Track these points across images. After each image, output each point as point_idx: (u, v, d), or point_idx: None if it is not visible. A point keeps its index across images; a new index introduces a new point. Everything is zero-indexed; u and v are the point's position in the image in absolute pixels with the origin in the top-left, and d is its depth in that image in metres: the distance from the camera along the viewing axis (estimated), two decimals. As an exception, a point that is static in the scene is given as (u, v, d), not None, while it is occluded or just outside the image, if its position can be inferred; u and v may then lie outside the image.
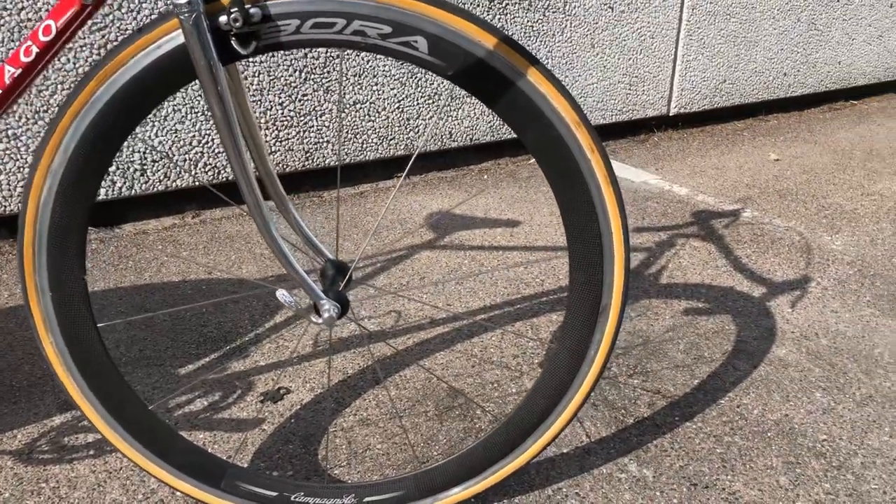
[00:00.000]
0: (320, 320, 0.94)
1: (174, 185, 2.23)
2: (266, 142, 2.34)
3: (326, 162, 2.50)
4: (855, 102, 4.14)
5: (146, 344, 1.60)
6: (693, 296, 1.88)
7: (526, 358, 1.58)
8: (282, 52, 2.17)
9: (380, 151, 2.60)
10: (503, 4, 2.67)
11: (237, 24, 0.82)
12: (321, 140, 2.46)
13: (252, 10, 0.83)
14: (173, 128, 2.17)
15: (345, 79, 2.43)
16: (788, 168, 2.96)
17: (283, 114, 2.35)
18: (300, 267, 0.93)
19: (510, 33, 2.73)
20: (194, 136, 2.20)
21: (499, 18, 2.68)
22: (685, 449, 1.32)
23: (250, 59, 2.22)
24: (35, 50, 0.84)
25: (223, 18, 0.83)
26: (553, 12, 2.80)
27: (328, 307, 0.94)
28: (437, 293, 1.86)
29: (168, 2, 0.68)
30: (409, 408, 1.41)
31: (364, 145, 2.56)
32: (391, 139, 2.61)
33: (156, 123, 2.13)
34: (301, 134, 2.41)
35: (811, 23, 3.64)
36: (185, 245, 2.11)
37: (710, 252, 2.14)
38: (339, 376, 1.50)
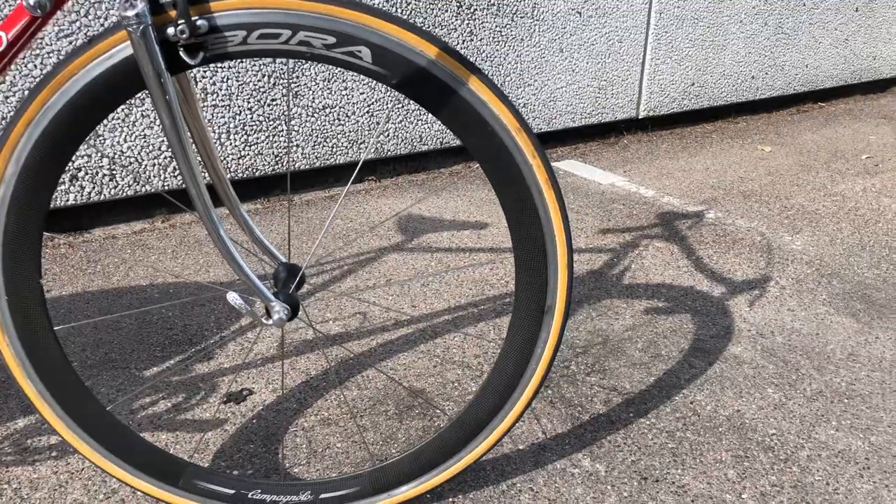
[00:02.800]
0: (270, 322, 0.97)
1: (143, 189, 2.24)
2: (236, 146, 2.36)
3: (297, 166, 2.52)
4: (822, 104, 4.21)
5: (112, 347, 1.62)
6: (654, 295, 1.92)
7: (487, 358, 1.62)
8: (229, 62, 2.20)
9: (350, 155, 2.63)
10: (471, 10, 2.71)
11: (184, 35, 0.85)
12: (290, 144, 2.48)
13: (199, 22, 0.86)
14: (142, 133, 2.18)
15: (314, 83, 2.45)
16: (754, 170, 3.01)
17: (252, 118, 2.37)
18: (249, 270, 0.96)
19: (479, 38, 2.77)
20: (163, 141, 2.22)
21: (467, 23, 2.72)
22: (637, 444, 1.36)
23: (217, 65, 2.24)
24: (-13, 60, 0.86)
25: (171, 30, 0.86)
26: (521, 17, 2.84)
27: (278, 309, 0.96)
28: (401, 295, 1.89)
29: (117, 13, 0.70)
30: (370, 407, 1.44)
31: (334, 149, 2.58)
32: (361, 143, 2.64)
33: (124, 129, 2.15)
34: (270, 138, 2.43)
35: (778, 27, 3.70)
36: (154, 249, 2.12)
37: (672, 253, 2.18)
38: (302, 377, 1.53)
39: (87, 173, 2.13)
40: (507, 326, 1.73)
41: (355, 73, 2.40)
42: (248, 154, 2.40)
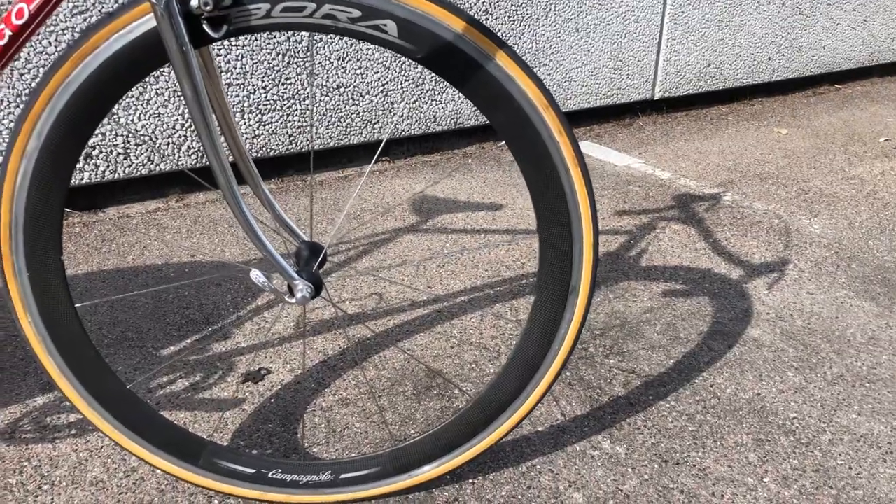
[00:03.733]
0: (293, 300, 0.96)
1: (157, 168, 2.23)
2: (250, 125, 2.35)
3: (311, 145, 2.51)
4: (839, 86, 4.16)
5: (128, 326, 1.62)
6: (671, 278, 1.90)
7: (504, 339, 1.61)
8: (253, 35, 2.18)
9: (364, 135, 2.61)
10: (487, -12, 2.68)
11: (208, 7, 0.83)
12: (305, 123, 2.47)
13: (222, -6, 0.84)
14: (156, 111, 2.17)
15: (328, 62, 2.43)
16: (770, 152, 2.98)
17: (266, 97, 2.35)
18: (273, 248, 0.95)
19: (494, 17, 2.74)
20: (177, 119, 2.21)
21: (483, 2, 2.69)
22: (657, 427, 1.35)
23: (232, 43, 2.22)
24: (8, 33, 0.85)
25: (194, 2, 0.84)
26: (537, -4, 2.81)
27: (301, 287, 0.95)
28: (417, 275, 1.88)
29: None
30: (389, 388, 1.43)
31: (348, 129, 2.57)
32: (375, 123, 2.62)
33: (139, 107, 2.14)
34: (285, 118, 2.41)
35: (796, 7, 3.65)
36: (169, 228, 2.12)
37: (689, 235, 2.16)
38: (319, 357, 1.52)
39: (101, 152, 2.12)
40: (524, 308, 1.72)
41: (380, 48, 2.38)
42: (263, 133, 2.39)
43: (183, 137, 2.24)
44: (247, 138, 2.36)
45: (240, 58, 2.25)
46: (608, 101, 3.21)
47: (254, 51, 2.27)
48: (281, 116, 2.40)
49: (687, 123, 3.40)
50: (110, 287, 1.78)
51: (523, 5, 2.79)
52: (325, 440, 1.29)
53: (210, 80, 0.98)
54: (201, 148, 2.29)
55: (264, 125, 2.38)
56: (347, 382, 1.44)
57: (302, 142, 2.48)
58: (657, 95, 3.38)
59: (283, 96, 2.38)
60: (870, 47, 4.15)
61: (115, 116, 2.11)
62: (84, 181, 2.12)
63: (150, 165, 2.22)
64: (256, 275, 0.92)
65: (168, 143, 2.22)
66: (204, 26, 0.86)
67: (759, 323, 1.71)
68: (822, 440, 1.32)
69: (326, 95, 2.47)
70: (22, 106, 0.75)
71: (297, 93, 2.40)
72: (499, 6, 2.73)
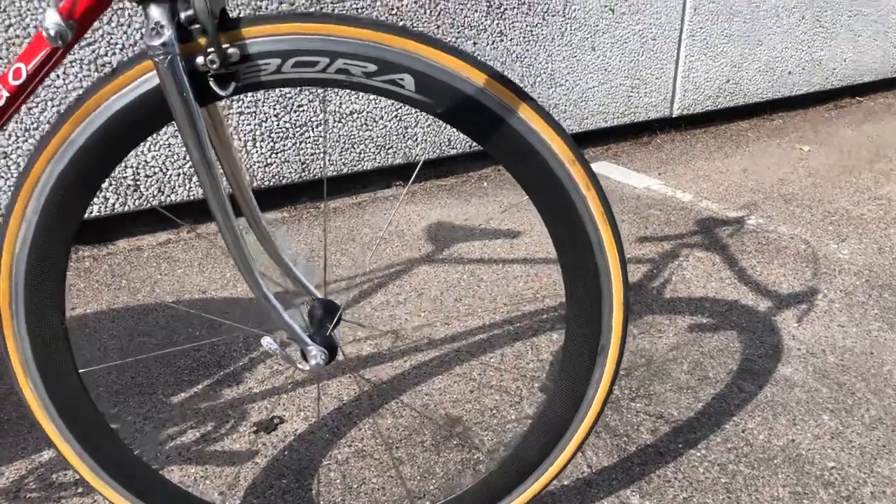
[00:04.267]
0: (307, 367, 0.91)
1: (168, 199, 2.19)
2: (262, 154, 2.31)
3: (323, 173, 2.47)
4: (861, 99, 4.08)
5: (138, 370, 1.57)
6: (697, 310, 1.84)
7: (526, 382, 1.55)
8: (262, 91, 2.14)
9: (378, 161, 2.56)
10: (501, 9, 2.63)
11: (214, 66, 0.79)
12: (318, 151, 2.43)
13: (230, 51, 0.79)
14: (167, 142, 2.13)
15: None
16: (793, 171, 2.91)
17: (278, 125, 2.31)
18: (285, 312, 0.90)
19: (509, 38, 2.69)
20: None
21: (497, 23, 2.64)
22: (689, 479, 1.29)
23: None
24: (5, 94, 0.81)
25: (200, 59, 0.79)
26: (552, 16, 2.76)
27: (315, 353, 0.90)
28: (434, 311, 1.82)
29: (142, 42, 0.66)
30: (406, 437, 1.38)
31: (362, 155, 2.52)
32: (389, 148, 2.57)
33: (149, 138, 2.10)
34: (297, 145, 2.37)
35: (816, 20, 3.59)
36: (180, 262, 2.07)
37: (714, 263, 2.10)
38: (334, 403, 1.47)
39: (111, 184, 2.08)
40: (545, 346, 1.66)
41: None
42: (275, 162, 2.34)
43: (194, 168, 2.20)
44: (259, 167, 2.32)
45: (251, 86, 2.21)
46: (625, 120, 3.16)
47: (265, 78, 2.23)
48: (293, 144, 2.36)
49: (706, 141, 3.34)
50: (120, 327, 1.74)
51: (538, 25, 2.74)
52: (340, 497, 1.23)
53: (217, 134, 0.93)
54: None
55: (276, 153, 2.34)
56: (363, 432, 1.39)
57: (315, 169, 2.44)
58: (675, 113, 3.31)
59: (295, 123, 2.34)
60: (892, 59, 4.07)
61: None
62: (94, 214, 2.08)
63: (161, 197, 2.18)
64: (268, 342, 0.87)
65: (179, 175, 2.18)
66: (210, 83, 0.81)
67: (790, 360, 1.64)
68: (863, 493, 1.25)
69: (339, 121, 2.42)
70: (21, 168, 0.72)
71: (309, 120, 2.36)
72: (513, 27, 2.68)
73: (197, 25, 0.79)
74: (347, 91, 2.40)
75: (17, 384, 0.94)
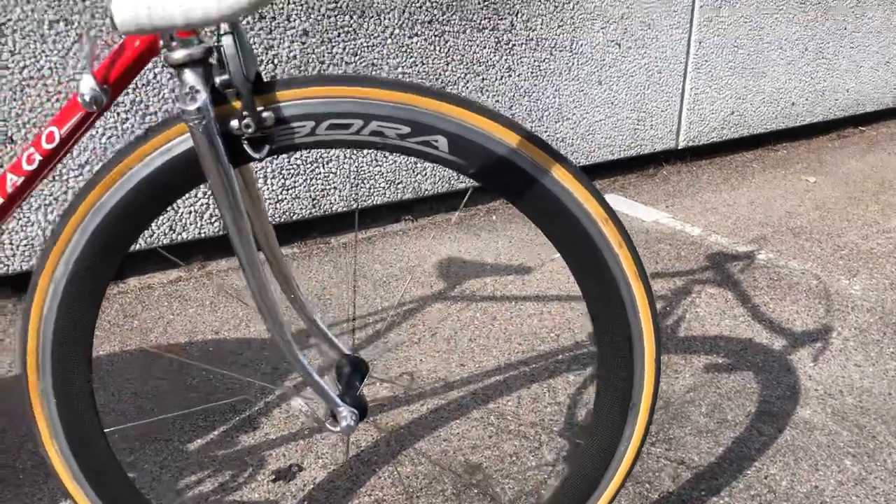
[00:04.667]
0: (337, 429, 0.90)
1: (179, 237, 2.19)
2: (273, 190, 2.31)
3: (334, 209, 2.46)
4: (863, 129, 4.10)
5: (154, 415, 1.56)
6: (712, 350, 1.83)
7: (545, 426, 1.54)
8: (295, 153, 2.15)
9: (388, 195, 2.57)
10: (510, 45, 2.64)
11: (250, 129, 0.79)
12: (328, 186, 2.43)
13: (265, 114, 0.79)
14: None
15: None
16: (801, 203, 2.91)
17: (289, 162, 2.31)
18: (315, 372, 0.89)
19: (517, 73, 2.70)
20: (199, 186, 2.17)
21: (505, 59, 2.65)
22: (714, 529, 1.27)
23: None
24: (38, 158, 0.80)
25: (234, 123, 0.79)
26: (560, 51, 2.77)
27: (346, 414, 0.89)
28: (449, 351, 1.81)
29: (176, 106, 0.65)
30: (426, 486, 1.36)
31: (371, 190, 2.52)
32: (398, 183, 2.57)
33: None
34: (308, 181, 2.37)
35: (819, 52, 3.61)
36: (192, 301, 2.06)
37: (727, 300, 2.09)
38: (352, 450, 1.46)
39: (122, 223, 2.07)
40: (561, 388, 1.65)
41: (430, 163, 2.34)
42: (286, 198, 2.34)
43: (205, 205, 2.20)
44: (270, 203, 2.32)
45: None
46: (632, 153, 3.16)
47: (276, 116, 2.24)
48: (304, 180, 2.36)
49: (712, 172, 3.34)
50: (134, 369, 1.72)
51: (546, 60, 2.75)
52: (363, 550, 1.22)
53: (250, 198, 0.93)
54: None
55: (287, 189, 2.34)
56: (383, 480, 1.38)
57: (325, 204, 2.44)
58: (681, 145, 3.33)
59: (305, 160, 2.34)
60: (893, 88, 4.09)
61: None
62: (105, 253, 2.08)
63: (172, 234, 2.17)
64: (299, 404, 0.86)
65: (190, 212, 2.18)
66: (244, 146, 0.81)
67: (809, 401, 1.63)
68: (890, 543, 1.24)
69: (350, 157, 2.43)
70: (50, 230, 0.71)
71: (319, 156, 2.36)
72: (521, 62, 2.70)
73: (231, 88, 0.79)
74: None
75: (42, 445, 0.93)
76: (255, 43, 2.14)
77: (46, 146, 0.80)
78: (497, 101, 2.69)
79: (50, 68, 1.88)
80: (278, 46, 2.19)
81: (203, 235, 2.24)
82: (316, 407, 0.86)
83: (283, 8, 2.16)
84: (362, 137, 0.83)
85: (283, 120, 0.80)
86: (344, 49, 2.31)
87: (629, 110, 3.06)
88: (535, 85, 2.76)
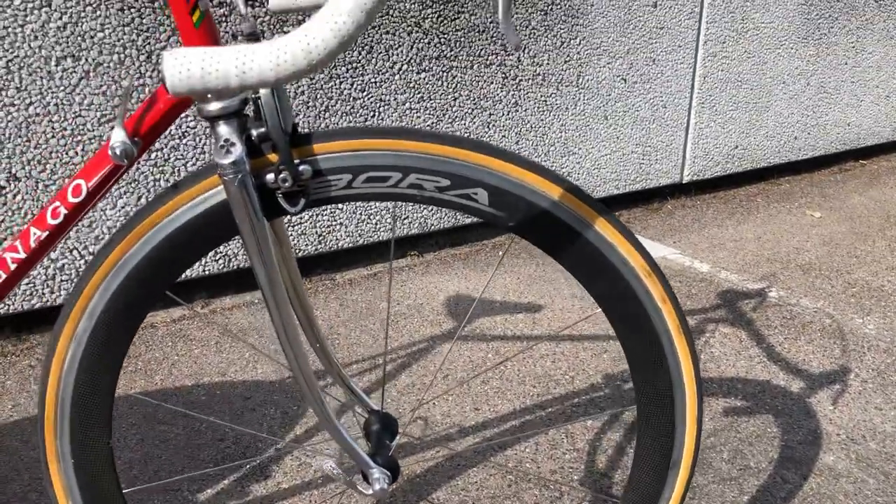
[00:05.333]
0: (370, 491, 0.86)
1: (183, 275, 2.15)
2: (278, 227, 2.28)
3: (339, 245, 2.43)
4: (864, 163, 4.11)
5: (161, 463, 1.51)
6: (730, 392, 1.80)
7: (565, 473, 1.50)
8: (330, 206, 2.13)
9: (395, 231, 2.54)
10: (517, 80, 2.63)
11: (286, 184, 0.76)
12: (334, 223, 2.40)
13: (301, 168, 0.76)
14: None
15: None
16: (808, 239, 2.90)
17: (295, 198, 2.28)
18: (347, 434, 0.85)
19: (524, 108, 2.69)
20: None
21: (512, 94, 2.64)
22: (746, 585, 1.23)
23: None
24: (63, 212, 0.77)
25: (270, 176, 0.76)
26: (566, 86, 2.76)
27: (378, 476, 0.85)
28: (461, 395, 1.77)
29: (210, 158, 0.63)
30: (447, 539, 1.32)
31: (377, 226, 2.49)
32: (405, 218, 2.55)
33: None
34: (314, 217, 2.34)
35: (821, 86, 3.62)
36: (196, 341, 2.02)
37: (741, 340, 2.07)
38: (366, 500, 1.41)
39: (127, 261, 2.04)
40: (580, 434, 1.61)
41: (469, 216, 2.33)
42: (291, 234, 2.31)
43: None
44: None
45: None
46: (637, 187, 3.15)
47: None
48: (310, 216, 2.33)
49: (717, 206, 3.33)
50: (139, 414, 1.68)
51: (552, 95, 2.74)
52: None
53: (281, 246, 0.90)
54: (238, 253, 2.21)
55: (293, 225, 2.31)
56: (402, 533, 1.33)
57: (331, 241, 2.41)
58: (686, 179, 3.32)
59: (312, 196, 2.31)
60: (893, 122, 4.11)
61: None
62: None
63: (177, 272, 2.14)
64: (330, 466, 0.82)
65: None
66: (279, 200, 0.78)
67: (831, 447, 1.60)
68: None
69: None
70: (74, 284, 0.69)
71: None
72: (528, 97, 2.69)
73: (267, 141, 0.76)
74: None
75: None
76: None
77: (72, 199, 0.77)
78: (504, 136, 2.67)
79: (56, 105, 1.85)
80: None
81: (206, 273, 2.20)
82: (338, 467, 0.82)
83: (291, 44, 2.14)
84: (400, 190, 0.80)
85: (320, 173, 0.78)
86: (352, 85, 2.30)
87: (634, 145, 3.05)
88: (542, 120, 2.75)
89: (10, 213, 1.86)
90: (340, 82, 2.27)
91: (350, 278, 2.48)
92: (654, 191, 3.30)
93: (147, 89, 1.96)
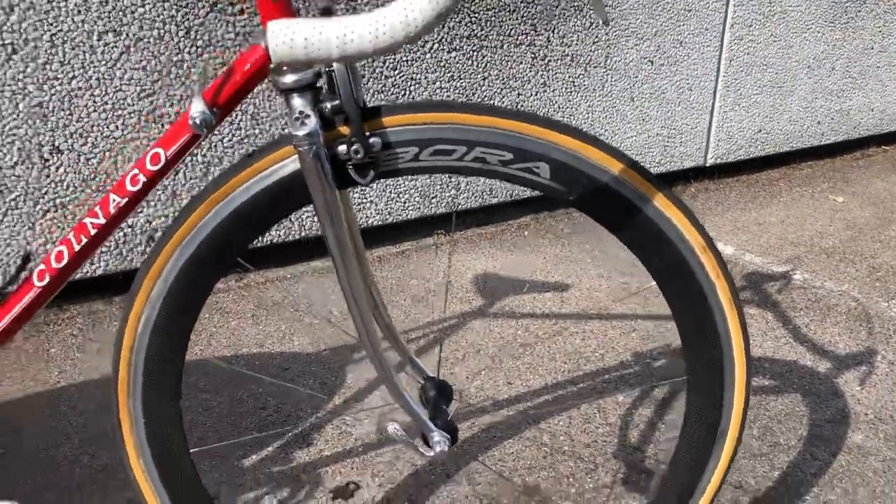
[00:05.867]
0: (432, 453, 0.89)
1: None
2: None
3: (369, 222, 2.46)
4: (887, 149, 4.10)
5: (206, 430, 1.55)
6: (758, 371, 1.83)
7: (598, 447, 1.53)
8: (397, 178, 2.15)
9: (421, 209, 2.56)
10: (546, 60, 2.64)
11: (358, 155, 0.78)
12: (364, 200, 2.43)
13: (372, 140, 0.79)
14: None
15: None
16: (831, 223, 2.91)
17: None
18: (410, 398, 0.88)
19: (552, 89, 2.70)
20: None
21: (541, 74, 2.65)
22: (778, 556, 1.26)
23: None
24: (142, 179, 0.80)
25: (342, 148, 0.79)
26: (595, 67, 2.77)
27: (439, 439, 0.89)
28: (493, 369, 1.81)
29: (285, 129, 0.65)
30: (486, 507, 1.36)
31: (406, 204, 2.52)
32: (433, 197, 2.57)
33: (201, 187, 2.10)
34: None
35: (846, 71, 3.61)
36: (233, 314, 2.06)
37: (767, 321, 2.09)
38: (408, 468, 1.45)
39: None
40: (612, 409, 1.64)
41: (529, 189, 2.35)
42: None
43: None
44: (305, 218, 2.32)
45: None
46: (661, 169, 3.16)
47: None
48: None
49: (740, 190, 3.34)
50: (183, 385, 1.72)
51: (581, 76, 2.75)
52: (428, 572, 1.21)
53: (347, 218, 0.93)
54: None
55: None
56: (442, 499, 1.37)
57: (361, 218, 2.44)
58: (709, 162, 3.32)
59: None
60: (917, 108, 4.09)
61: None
62: (146, 264, 2.08)
63: (212, 246, 2.17)
64: (394, 428, 0.86)
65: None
66: (349, 171, 0.81)
67: (859, 426, 1.62)
68: (957, 573, 1.23)
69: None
70: (148, 252, 0.71)
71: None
72: (556, 78, 2.70)
73: (339, 114, 0.79)
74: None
75: (129, 465, 0.93)
76: (298, 56, 2.14)
77: (151, 167, 0.80)
78: (531, 116, 2.69)
79: (98, 79, 1.88)
80: (320, 60, 2.19)
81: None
82: (402, 429, 0.86)
83: (326, 22, 2.16)
84: (464, 163, 0.82)
85: (389, 145, 0.80)
86: (384, 63, 2.32)
87: (660, 127, 3.06)
88: (569, 101, 2.77)
89: (53, 185, 1.90)
90: (373, 60, 2.29)
91: (378, 255, 2.51)
92: (678, 173, 3.31)
93: (185, 64, 1.99)
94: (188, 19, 1.96)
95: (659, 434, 1.58)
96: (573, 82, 2.75)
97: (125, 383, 0.89)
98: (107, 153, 1.94)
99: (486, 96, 2.56)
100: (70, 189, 1.92)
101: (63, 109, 1.86)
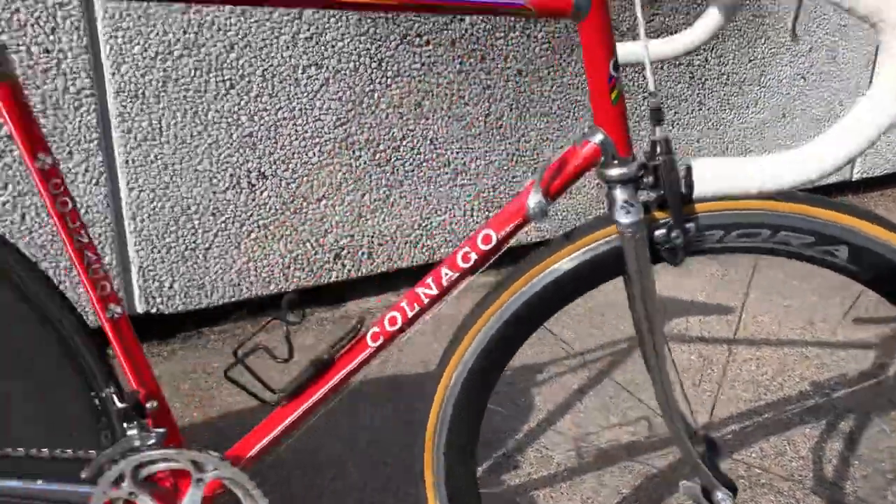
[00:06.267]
0: (719, 511, 0.96)
1: (395, 265, 2.31)
2: (477, 223, 2.41)
3: (528, 238, 2.55)
4: None
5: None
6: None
7: (796, 481, 1.57)
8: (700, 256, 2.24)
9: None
10: (702, 80, 2.67)
11: (678, 241, 0.86)
12: (525, 218, 2.51)
13: (688, 226, 0.86)
14: (398, 213, 2.25)
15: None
16: None
17: (494, 195, 2.40)
18: (699, 456, 0.96)
19: (707, 107, 2.72)
20: (416, 220, 2.28)
21: (697, 93, 2.68)
22: None
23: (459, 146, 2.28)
24: (473, 257, 0.90)
25: (660, 232, 0.87)
26: (749, 84, 2.78)
27: (722, 497, 0.96)
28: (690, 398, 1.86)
29: (612, 217, 0.73)
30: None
31: (563, 222, 2.59)
32: (588, 216, 2.64)
33: (383, 209, 2.22)
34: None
35: None
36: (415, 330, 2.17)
37: (943, 351, 2.08)
38: (613, 496, 1.53)
39: (348, 252, 2.20)
40: (801, 441, 1.64)
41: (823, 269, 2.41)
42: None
43: (417, 236, 2.31)
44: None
45: (474, 159, 2.31)
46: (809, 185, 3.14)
47: (487, 151, 2.33)
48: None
49: (886, 204, 3.29)
50: (387, 409, 1.84)
51: (735, 94, 2.76)
52: None
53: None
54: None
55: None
56: (654, 529, 1.44)
57: (520, 234, 2.52)
58: (856, 176, 3.28)
59: (509, 194, 2.43)
60: None
61: (364, 220, 2.20)
62: (333, 279, 2.21)
63: (389, 263, 2.29)
64: (688, 486, 0.93)
65: (406, 243, 2.30)
66: (661, 253, 0.89)
67: None
68: None
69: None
70: (464, 317, 0.81)
71: (522, 189, 2.45)
72: (711, 96, 2.72)
73: (659, 200, 0.86)
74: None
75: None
76: (475, 83, 2.23)
77: (482, 247, 0.89)
78: (686, 133, 2.72)
79: (300, 109, 2.02)
80: (494, 86, 2.27)
81: (414, 264, 2.35)
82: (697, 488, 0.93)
83: (501, 50, 2.25)
84: (766, 244, 0.89)
85: (700, 229, 0.88)
86: (551, 87, 2.39)
87: (808, 142, 3.04)
88: (722, 118, 2.78)
89: (257, 208, 2.04)
90: (542, 84, 2.36)
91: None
92: (824, 188, 3.28)
93: (376, 94, 2.10)
94: (381, 51, 2.07)
95: (853, 470, 1.62)
96: (727, 100, 2.76)
97: (432, 431, 1.00)
98: (304, 178, 2.08)
99: (644, 116, 2.60)
100: (272, 211, 2.06)
101: (269, 138, 2.00)
